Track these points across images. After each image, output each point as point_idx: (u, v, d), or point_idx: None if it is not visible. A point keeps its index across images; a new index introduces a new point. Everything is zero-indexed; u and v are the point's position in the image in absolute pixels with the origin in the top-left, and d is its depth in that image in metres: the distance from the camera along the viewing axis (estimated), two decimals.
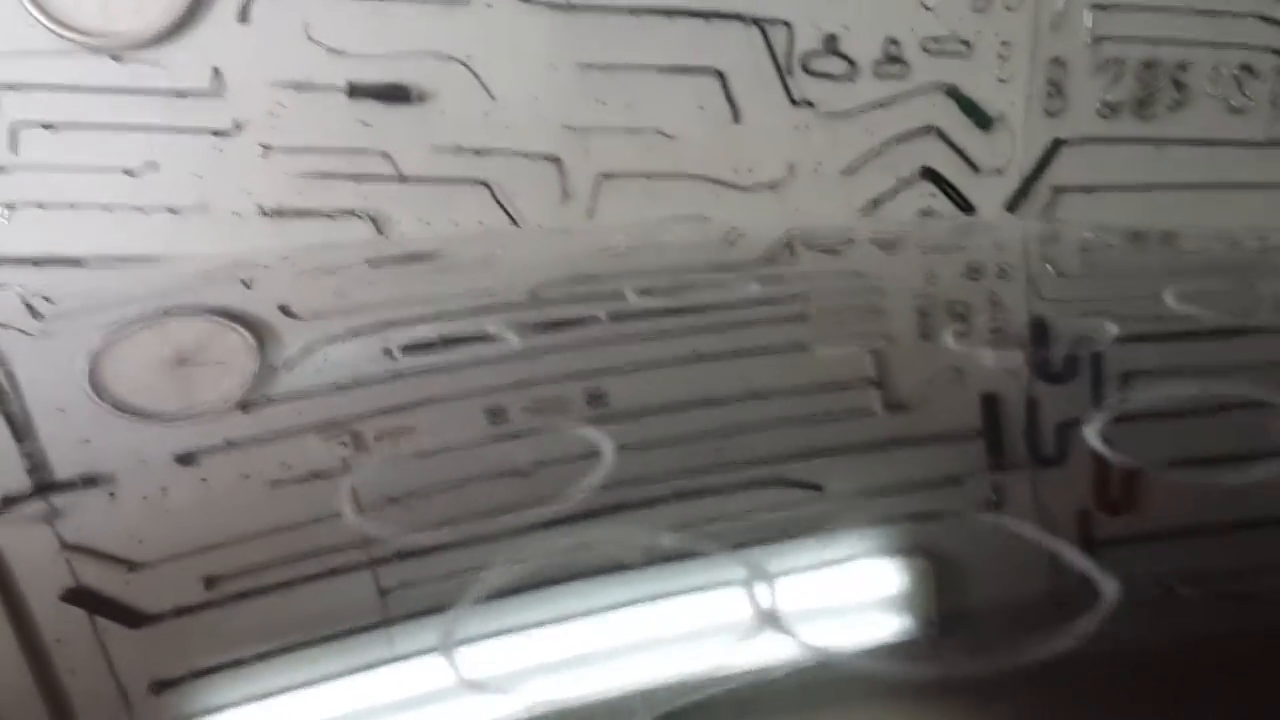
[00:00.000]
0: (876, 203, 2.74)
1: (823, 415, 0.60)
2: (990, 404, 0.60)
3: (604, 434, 0.60)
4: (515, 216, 2.56)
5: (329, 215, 2.51)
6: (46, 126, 2.40)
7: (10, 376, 0.75)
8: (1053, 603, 0.45)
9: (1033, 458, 0.54)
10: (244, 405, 0.69)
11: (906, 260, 0.95)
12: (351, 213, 2.51)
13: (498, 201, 2.55)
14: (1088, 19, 2.78)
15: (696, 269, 0.93)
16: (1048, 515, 0.50)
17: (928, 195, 2.78)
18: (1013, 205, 2.84)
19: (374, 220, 2.53)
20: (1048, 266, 0.91)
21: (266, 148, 2.46)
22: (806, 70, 2.66)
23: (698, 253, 0.99)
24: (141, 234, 2.44)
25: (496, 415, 0.65)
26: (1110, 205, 2.88)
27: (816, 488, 0.55)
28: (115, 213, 2.44)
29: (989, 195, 2.81)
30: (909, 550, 0.50)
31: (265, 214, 2.48)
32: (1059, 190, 2.85)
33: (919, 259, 0.95)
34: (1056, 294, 0.82)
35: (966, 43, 2.71)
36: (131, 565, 0.54)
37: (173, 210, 2.45)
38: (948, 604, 0.47)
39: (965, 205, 2.79)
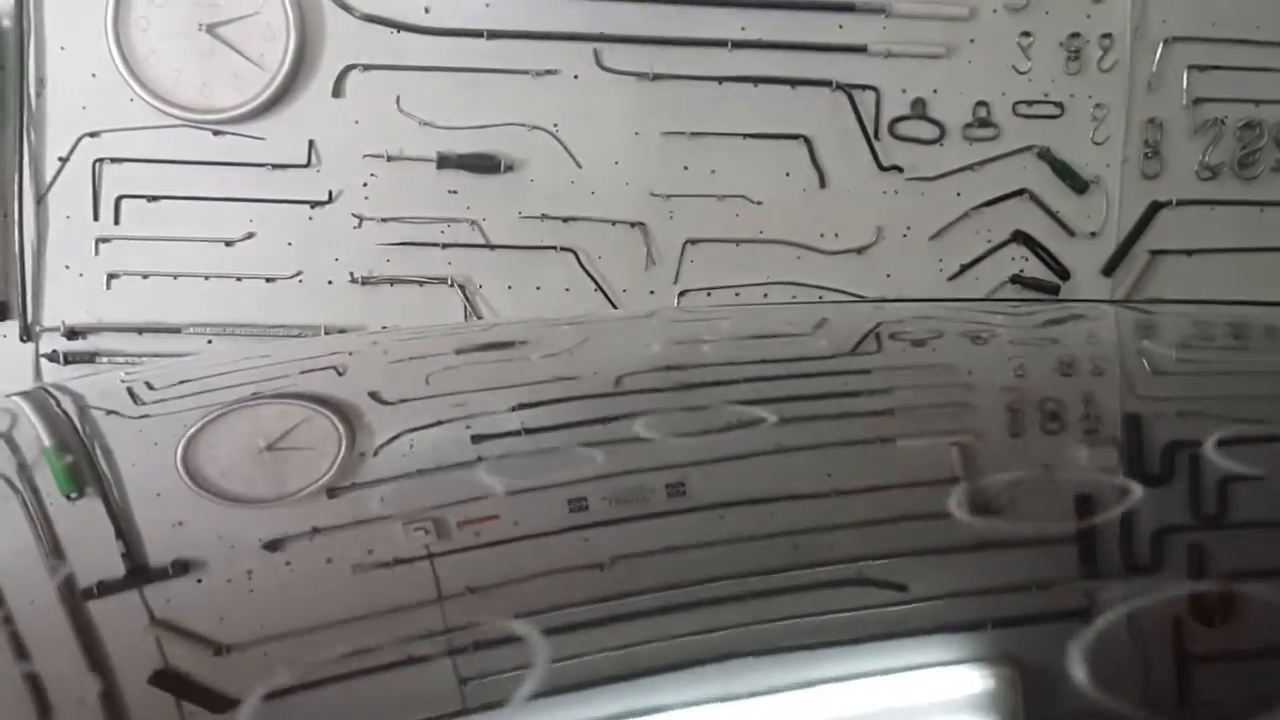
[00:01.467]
0: (966, 267, 2.71)
1: (907, 513, 0.59)
2: (1083, 506, 0.59)
3: (680, 528, 0.60)
4: (600, 283, 2.59)
5: (418, 282, 2.56)
6: (148, 199, 2.51)
7: (111, 460, 0.78)
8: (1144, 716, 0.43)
9: (1126, 565, 0.53)
10: (330, 491, 0.70)
11: (997, 351, 0.93)
12: (440, 280, 2.57)
13: (583, 268, 2.59)
14: (1185, 80, 2.74)
15: (783, 358, 0.93)
16: (1139, 625, 0.48)
17: (1020, 260, 2.74)
18: (1109, 269, 2.79)
19: (462, 287, 2.58)
20: (1144, 363, 0.89)
21: (359, 217, 2.54)
22: (894, 135, 2.66)
23: (784, 343, 0.99)
24: (238, 302, 2.52)
25: (577, 505, 0.65)
26: (1210, 269, 2.81)
27: (900, 588, 0.54)
28: (213, 281, 2.52)
29: (1084, 260, 2.77)
30: (996, 657, 0.49)
31: (356, 282, 2.55)
32: (1157, 254, 2.79)
33: (1010, 350, 0.94)
34: (1153, 391, 0.80)
35: (1060, 105, 2.69)
36: (218, 649, 0.55)
37: (268, 279, 2.53)
38: (1035, 714, 0.46)
39: (1060, 270, 2.74)
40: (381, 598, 0.58)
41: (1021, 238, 2.73)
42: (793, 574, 0.54)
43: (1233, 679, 0.44)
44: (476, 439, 0.74)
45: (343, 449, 0.75)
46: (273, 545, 0.66)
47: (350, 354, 1.05)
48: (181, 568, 0.62)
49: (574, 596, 0.53)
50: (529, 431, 0.75)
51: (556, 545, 0.60)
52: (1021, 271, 2.74)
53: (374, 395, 0.86)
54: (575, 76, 2.55)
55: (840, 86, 2.61)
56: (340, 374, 0.94)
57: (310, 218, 2.54)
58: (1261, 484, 0.59)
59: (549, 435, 0.74)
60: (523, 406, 0.79)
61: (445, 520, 0.67)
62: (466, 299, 2.57)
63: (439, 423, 0.77)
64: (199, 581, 0.61)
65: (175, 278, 2.52)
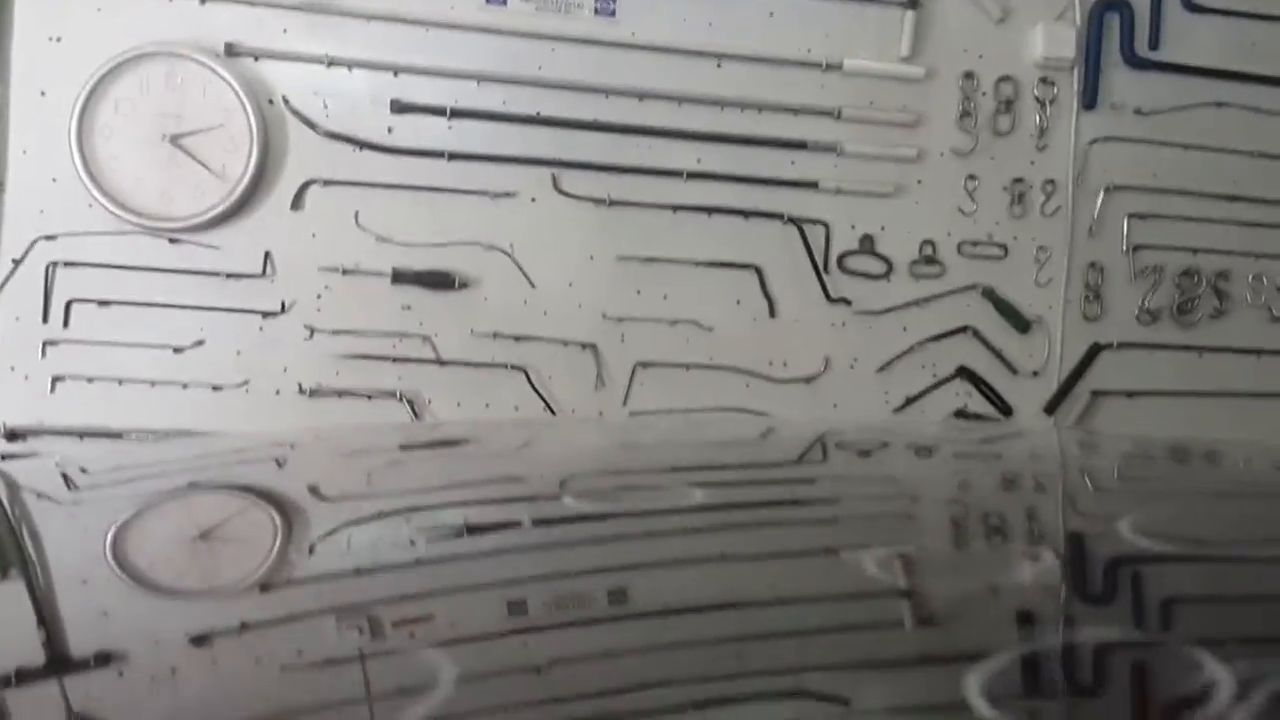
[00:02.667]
0: (911, 400, 2.76)
1: (850, 625, 0.59)
2: (1025, 622, 0.59)
3: (621, 633, 0.59)
4: (550, 402, 2.60)
5: (366, 396, 2.55)
6: (100, 303, 2.49)
7: (39, 545, 0.76)
8: None
9: (1069, 683, 0.53)
10: (263, 586, 0.69)
11: (941, 465, 0.94)
12: (389, 394, 2.56)
13: (533, 387, 2.60)
14: (1125, 227, 2.85)
15: (728, 466, 0.93)
16: None
17: (964, 395, 2.79)
18: (1051, 408, 2.85)
19: (410, 402, 2.57)
20: (1086, 479, 0.91)
21: (310, 329, 2.54)
22: (843, 268, 2.73)
23: (730, 450, 0.99)
24: (183, 409, 2.49)
25: (516, 608, 0.65)
26: (1150, 411, 2.87)
27: (843, 702, 0.54)
28: (159, 388, 2.50)
29: (1027, 397, 2.82)
30: None
31: (304, 393, 2.53)
32: (1098, 394, 2.86)
33: (954, 465, 0.95)
34: (1094, 508, 0.81)
35: (1004, 246, 2.78)
36: None
37: (215, 387, 2.51)
38: None
39: (1003, 407, 2.79)
40: (309, 698, 0.57)
41: (965, 373, 2.79)
42: (735, 682, 0.53)
43: None
44: (415, 537, 0.74)
45: (278, 543, 0.74)
46: (199, 640, 0.65)
47: (292, 447, 1.04)
48: (104, 659, 0.60)
49: (510, 700, 0.52)
50: (471, 531, 0.75)
51: (493, 648, 0.59)
52: (965, 406, 2.79)
53: (313, 490, 0.85)
54: (533, 199, 2.60)
55: (791, 220, 2.68)
56: (280, 466, 0.93)
57: (261, 328, 2.53)
58: (1209, 604, 0.60)
59: (491, 537, 0.74)
60: (466, 505, 0.79)
61: (380, 619, 0.65)
62: (414, 413, 2.56)
63: (379, 517, 0.76)
64: (120, 674, 0.60)
65: (120, 383, 2.49)
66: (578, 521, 0.78)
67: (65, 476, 0.83)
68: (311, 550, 0.71)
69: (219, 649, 0.63)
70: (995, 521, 0.76)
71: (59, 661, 0.60)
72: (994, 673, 0.49)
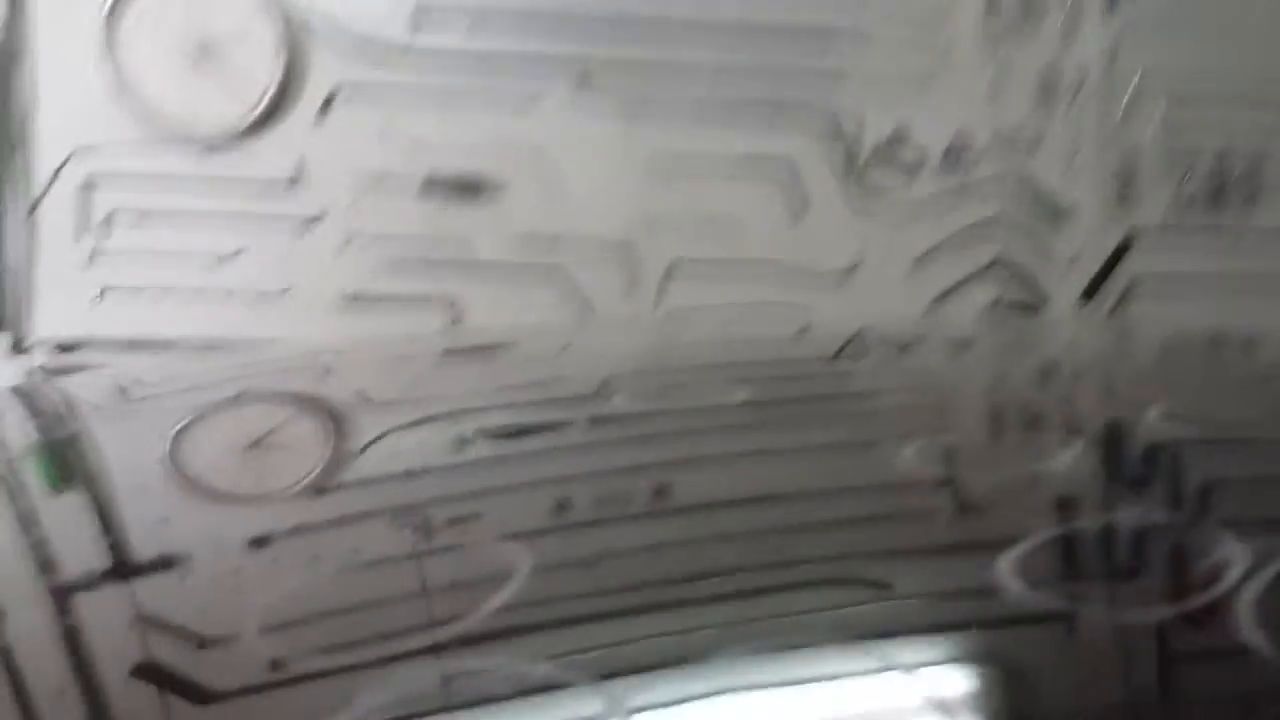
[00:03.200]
0: (947, 292, 2.73)
1: (891, 515, 0.59)
2: (1064, 508, 0.59)
3: (667, 527, 0.60)
4: (586, 301, 2.60)
5: (406, 301, 2.56)
6: (140, 214, 2.50)
7: (99, 455, 0.77)
8: (1127, 717, 0.44)
9: (1108, 565, 0.53)
10: (316, 490, 0.70)
11: (979, 358, 0.94)
12: (428, 299, 2.56)
13: (569, 287, 2.59)
14: (1160, 108, 2.77)
15: (766, 363, 0.93)
16: (1124, 625, 0.49)
17: (999, 285, 2.76)
18: (1087, 296, 2.81)
19: (450, 306, 2.57)
20: (1124, 368, 0.90)
21: (347, 236, 2.54)
22: (876, 160, 2.68)
23: (767, 347, 0.99)
24: (228, 318, 2.51)
25: (562, 507, 0.65)
26: (1187, 296, 2.83)
27: (886, 586, 0.54)
28: (203, 298, 2.51)
29: (1062, 286, 2.78)
30: (979, 657, 0.49)
31: (345, 300, 2.54)
32: (1135, 280, 2.81)
33: (991, 357, 0.94)
34: (1133, 396, 0.80)
35: (1036, 133, 2.71)
36: (202, 643, 0.55)
37: (258, 295, 2.52)
38: (1018, 715, 0.46)
39: (1038, 296, 2.76)
40: (367, 595, 0.58)
41: (1000, 264, 2.74)
42: (776, 571, 0.54)
43: (1214, 679, 0.44)
44: (462, 441, 0.74)
45: (329, 448, 0.75)
46: (259, 542, 0.66)
47: (338, 353, 1.04)
48: (167, 563, 0.61)
49: (563, 591, 0.53)
50: (514, 434, 0.75)
51: (542, 543, 0.60)
52: (1001, 297, 2.75)
53: (360, 395, 0.86)
54: (563, 98, 2.56)
55: (825, 110, 2.63)
56: (328, 373, 0.94)
57: (299, 236, 2.53)
58: (1242, 483, 0.60)
59: (535, 437, 0.74)
60: (510, 407, 0.79)
61: (432, 518, 0.66)
62: (454, 318, 2.57)
63: (427, 422, 0.77)
64: (183, 578, 0.61)
65: (165, 292, 2.51)
66: (617, 422, 0.78)
67: (120, 389, 0.84)
68: (362, 454, 0.72)
69: (277, 550, 0.65)
70: (1034, 410, 0.76)
71: (125, 566, 0.62)
72: (1029, 555, 0.49)
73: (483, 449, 0.69)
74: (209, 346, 2.51)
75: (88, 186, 2.52)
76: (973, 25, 2.69)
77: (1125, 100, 2.77)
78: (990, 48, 2.68)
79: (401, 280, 2.63)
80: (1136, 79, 2.76)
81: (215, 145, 2.56)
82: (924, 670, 0.46)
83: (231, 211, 2.51)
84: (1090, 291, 2.83)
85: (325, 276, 2.61)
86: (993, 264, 2.81)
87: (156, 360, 2.02)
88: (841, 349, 0.92)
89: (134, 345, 2.56)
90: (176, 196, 2.52)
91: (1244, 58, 2.79)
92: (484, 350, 0.92)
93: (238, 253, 2.55)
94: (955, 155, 2.71)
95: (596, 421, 0.73)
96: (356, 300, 2.59)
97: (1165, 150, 2.78)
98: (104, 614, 0.54)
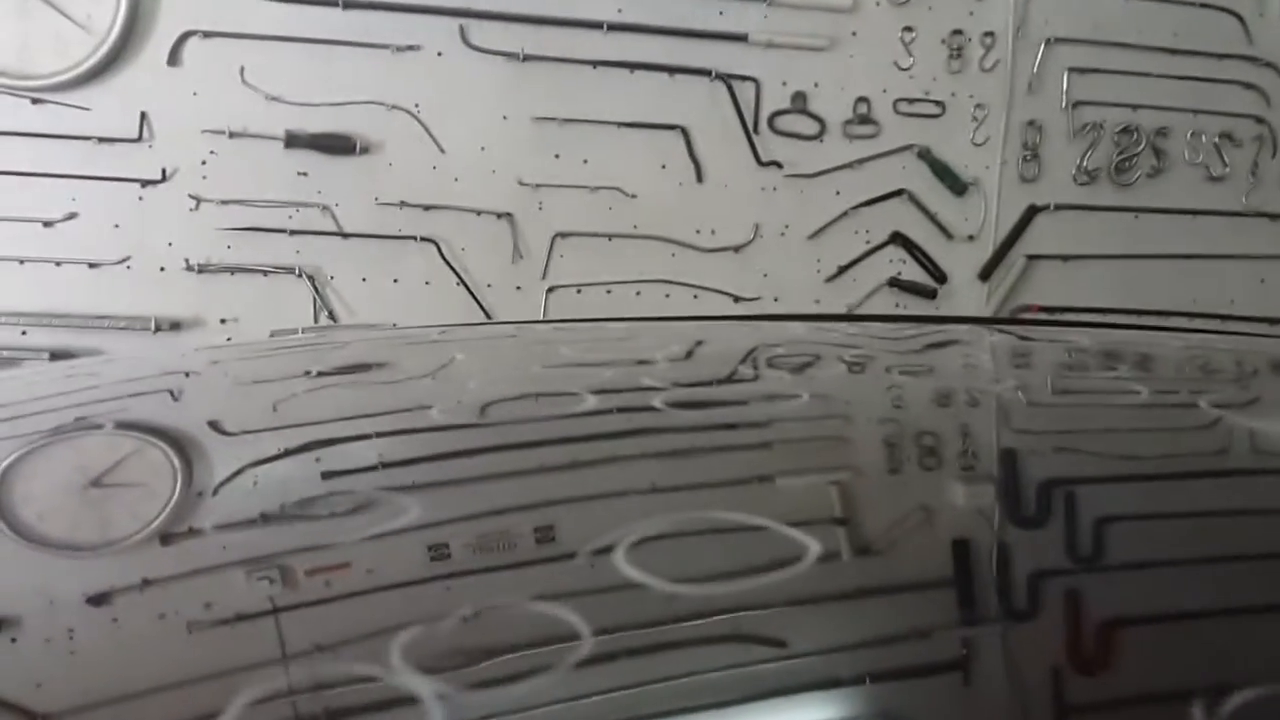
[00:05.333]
0: (844, 268, 2.77)
1: (785, 559, 0.59)
2: (960, 550, 0.60)
3: (546, 576, 0.59)
4: (464, 276, 2.56)
5: (262, 271, 2.48)
6: None
7: None
8: None
9: (1004, 611, 0.54)
10: (164, 537, 0.67)
11: (874, 381, 0.95)
12: (287, 269, 2.49)
13: (445, 260, 2.55)
14: (1065, 81, 2.85)
15: (655, 385, 0.93)
16: (1019, 674, 0.50)
17: (899, 262, 2.81)
18: (985, 273, 2.88)
19: (311, 278, 2.51)
20: (1019, 394, 0.92)
21: (196, 199, 2.44)
22: (774, 129, 2.69)
23: (655, 369, 0.98)
24: (58, 289, 2.40)
25: (437, 551, 0.64)
26: (1085, 275, 2.93)
27: (778, 644, 0.54)
28: (29, 266, 2.40)
29: (961, 262, 2.85)
30: (875, 715, 0.49)
31: (192, 269, 2.45)
32: (1033, 258, 2.90)
33: (887, 379, 0.96)
34: (1027, 424, 0.82)
35: (941, 104, 2.76)
36: (34, 718, 0.52)
37: (92, 264, 2.41)
38: None
39: (937, 273, 2.82)
40: (222, 657, 0.56)
41: (900, 240, 2.80)
42: (664, 629, 0.54)
43: None
44: (328, 476, 0.72)
45: (178, 487, 0.72)
46: (98, 599, 0.63)
47: (187, 375, 1.00)
48: None
49: (436, 651, 0.52)
50: (385, 466, 0.73)
51: (416, 595, 0.59)
52: (899, 274, 2.81)
53: (214, 425, 0.83)
54: (439, 54, 2.50)
55: (719, 76, 2.62)
56: (175, 398, 0.90)
57: (140, 198, 2.42)
58: (1138, 524, 0.62)
59: (405, 470, 0.72)
60: (379, 436, 0.77)
61: (293, 568, 0.64)
62: (316, 291, 2.50)
63: (286, 455, 0.74)
64: (13, 641, 0.58)
65: None
66: (498, 451, 0.77)
67: None
68: (215, 493, 0.69)
69: (119, 608, 0.62)
70: (929, 442, 0.77)
71: None
72: (928, 603, 0.50)
73: (350, 485, 0.67)
74: (35, 321, 2.39)
75: None
76: None
77: (1033, 69, 2.83)
78: (897, 10, 2.70)
79: (256, 248, 2.45)
80: (1043, 47, 2.82)
81: (45, 94, 2.43)
82: None
83: (64, 171, 2.37)
84: (989, 269, 2.90)
85: (170, 243, 2.43)
86: (892, 239, 2.85)
87: None
88: (733, 372, 0.92)
89: None
90: (2, 153, 2.36)
91: (1151, 27, 2.88)
92: (354, 369, 0.89)
93: (70, 217, 2.43)
94: (856, 124, 2.73)
95: (475, 452, 0.72)
96: (205, 269, 2.46)
97: (1070, 122, 2.86)
98: None
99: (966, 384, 0.89)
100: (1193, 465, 0.71)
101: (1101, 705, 0.46)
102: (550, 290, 2.60)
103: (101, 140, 2.38)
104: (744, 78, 2.64)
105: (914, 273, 2.81)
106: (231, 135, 2.43)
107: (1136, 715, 0.45)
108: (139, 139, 2.40)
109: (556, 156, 2.57)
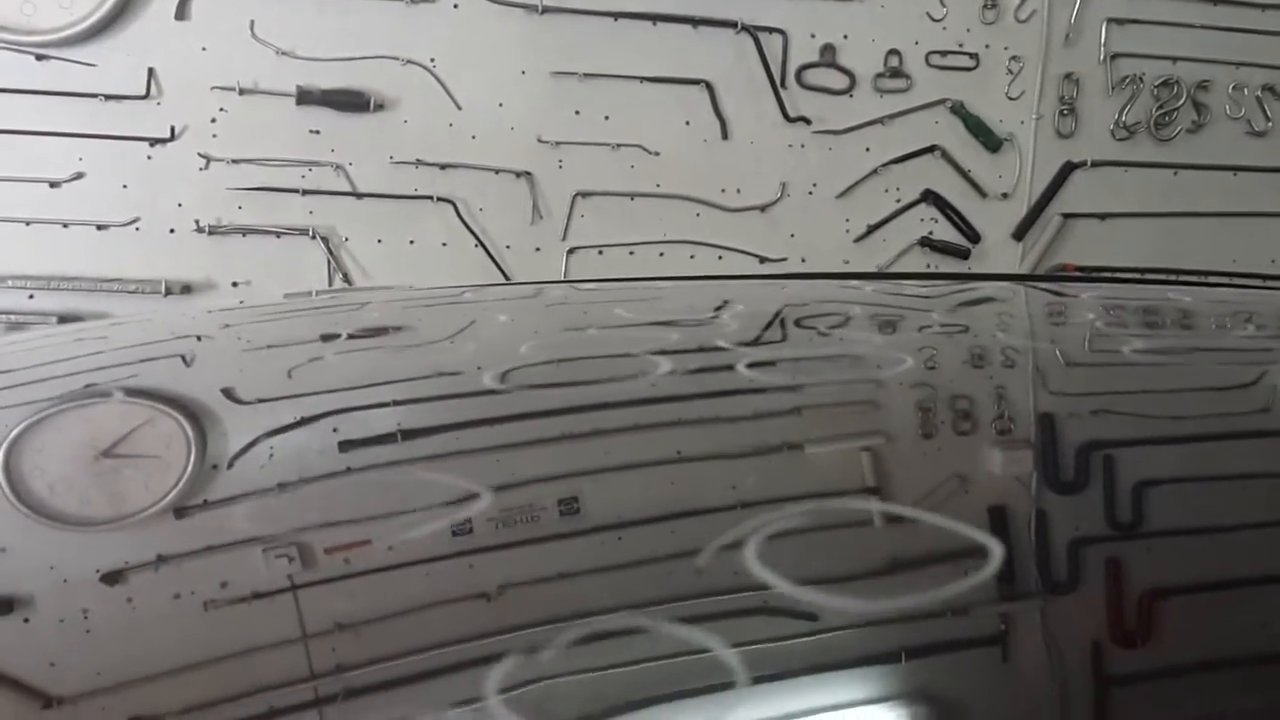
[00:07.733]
0: (873, 228, 2.74)
1: (818, 525, 0.58)
2: (997, 518, 0.58)
3: (575, 550, 0.57)
4: (481, 237, 2.54)
5: (274, 233, 2.47)
6: None
7: None
8: None
9: (1043, 581, 0.53)
10: (178, 511, 0.65)
11: (906, 342, 0.93)
12: (300, 230, 2.47)
13: (462, 220, 2.53)
14: (1103, 33, 2.80)
15: (682, 348, 0.91)
16: (1057, 647, 0.48)
17: (930, 221, 2.78)
18: (1020, 233, 2.85)
19: (325, 239, 2.49)
20: (1057, 354, 0.90)
21: (206, 158, 2.42)
22: (801, 84, 2.65)
23: (681, 331, 0.97)
24: (65, 252, 2.39)
25: (460, 527, 0.62)
26: (1122, 234, 2.89)
27: (811, 618, 0.52)
28: (35, 228, 2.38)
29: (995, 222, 2.81)
30: (908, 688, 0.48)
31: (202, 231, 2.44)
32: (1069, 217, 2.86)
33: (919, 340, 0.93)
34: (1065, 386, 0.80)
35: (974, 56, 2.72)
36: (47, 702, 0.51)
37: (100, 226, 2.40)
38: None
39: (970, 233, 2.79)
40: (238, 638, 0.54)
41: (932, 198, 2.76)
42: (696, 603, 0.52)
43: (1154, 699, 0.44)
44: (346, 446, 0.70)
45: (192, 458, 0.71)
46: (112, 577, 0.62)
47: (199, 339, 0.99)
48: (5, 605, 0.57)
49: (457, 632, 0.51)
50: (406, 436, 0.72)
51: (437, 573, 0.57)
52: (931, 234, 2.78)
53: (227, 392, 0.81)
54: (455, 5, 2.46)
55: (745, 28, 2.58)
56: (188, 364, 0.89)
57: (149, 157, 2.41)
58: (1178, 488, 0.60)
59: (427, 440, 0.71)
60: (398, 404, 0.76)
61: (311, 546, 0.63)
62: (330, 253, 2.49)
63: (304, 424, 0.72)
64: (25, 621, 0.57)
65: None
66: (522, 419, 0.75)
67: None
68: (230, 465, 0.68)
69: (134, 586, 0.60)
70: (963, 406, 0.75)
71: None
72: (962, 573, 0.49)
73: (369, 455, 0.66)
74: (42, 285, 2.38)
75: None
76: None
77: (1070, 20, 2.77)
78: None
79: (268, 209, 2.44)
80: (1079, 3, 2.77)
81: (50, 50, 2.40)
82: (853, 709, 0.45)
83: (70, 129, 2.35)
84: (1023, 229, 2.86)
85: (180, 204, 2.41)
86: (923, 198, 2.81)
87: None
88: (761, 334, 0.90)
89: None
90: (5, 111, 2.32)
91: None
92: (371, 334, 0.88)
93: (77, 176, 2.40)
94: (887, 78, 2.68)
95: (497, 421, 0.70)
96: (215, 231, 2.45)
97: (1109, 75, 2.81)
98: None
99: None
100: (1239, 425, 0.69)
101: (1144, 676, 0.44)
102: (571, 251, 2.58)
103: (108, 98, 2.36)
104: (771, 29, 2.60)
105: (946, 232, 2.78)
106: (242, 92, 2.40)
107: (1181, 688, 0.44)
108: (146, 96, 2.38)
109: (576, 113, 2.54)
